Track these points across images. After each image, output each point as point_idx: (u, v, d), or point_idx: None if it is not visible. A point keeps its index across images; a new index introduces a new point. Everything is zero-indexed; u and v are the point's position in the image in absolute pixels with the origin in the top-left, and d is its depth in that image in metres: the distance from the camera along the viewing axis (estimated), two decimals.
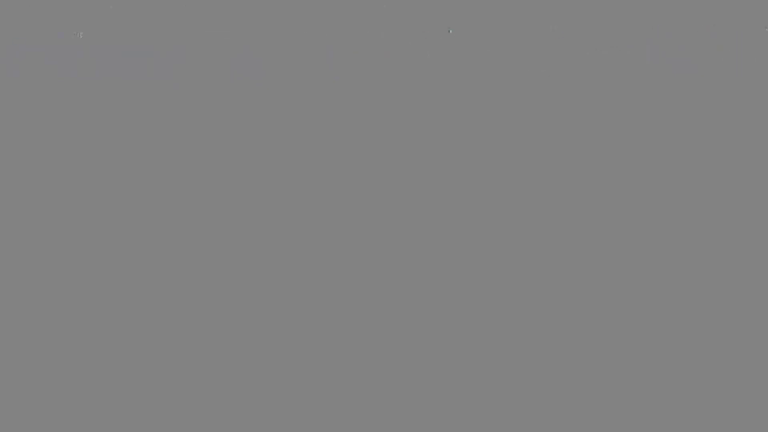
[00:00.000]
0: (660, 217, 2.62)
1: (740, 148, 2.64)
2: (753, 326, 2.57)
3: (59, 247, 2.60)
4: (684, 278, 2.60)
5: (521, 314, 2.62)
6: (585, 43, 2.65)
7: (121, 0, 2.60)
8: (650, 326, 2.60)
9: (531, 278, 2.63)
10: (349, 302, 2.63)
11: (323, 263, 2.64)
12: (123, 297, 2.60)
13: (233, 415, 2.57)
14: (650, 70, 2.64)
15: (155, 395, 2.56)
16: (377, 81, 2.67)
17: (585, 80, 2.67)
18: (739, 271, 2.59)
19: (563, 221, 2.63)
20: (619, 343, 2.59)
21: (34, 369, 2.56)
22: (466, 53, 2.67)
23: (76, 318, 2.57)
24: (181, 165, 2.65)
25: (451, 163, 2.66)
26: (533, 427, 2.56)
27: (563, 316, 2.61)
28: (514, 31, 2.66)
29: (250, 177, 2.65)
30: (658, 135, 2.65)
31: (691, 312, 2.60)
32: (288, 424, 2.57)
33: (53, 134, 2.63)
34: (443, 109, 2.68)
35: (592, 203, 2.64)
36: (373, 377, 2.60)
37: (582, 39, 2.64)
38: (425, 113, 2.68)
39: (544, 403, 2.57)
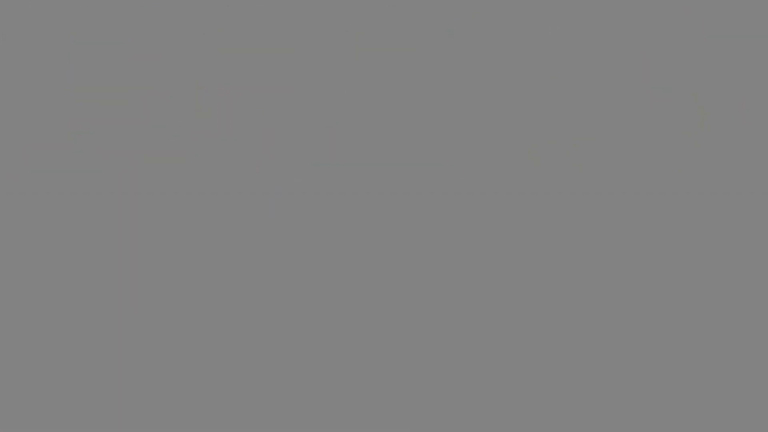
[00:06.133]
0: (657, 220, 2.63)
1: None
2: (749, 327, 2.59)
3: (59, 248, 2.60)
4: (681, 278, 2.62)
5: (519, 314, 2.63)
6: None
7: None
8: (647, 326, 2.61)
9: (529, 278, 2.64)
10: (348, 303, 2.64)
11: (324, 265, 2.65)
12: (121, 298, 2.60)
13: (233, 411, 2.58)
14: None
15: (154, 395, 2.57)
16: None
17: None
18: (734, 272, 2.61)
19: (562, 222, 2.64)
20: (618, 343, 2.61)
21: (34, 367, 2.56)
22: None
23: (76, 318, 2.58)
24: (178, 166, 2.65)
25: (452, 169, 2.67)
26: (533, 425, 2.58)
27: (562, 317, 2.62)
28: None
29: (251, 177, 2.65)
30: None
31: (687, 313, 2.61)
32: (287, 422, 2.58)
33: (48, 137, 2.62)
34: (445, 113, 2.68)
35: (587, 205, 2.65)
36: (372, 375, 2.62)
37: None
38: (424, 116, 2.68)
39: (543, 401, 2.59)
